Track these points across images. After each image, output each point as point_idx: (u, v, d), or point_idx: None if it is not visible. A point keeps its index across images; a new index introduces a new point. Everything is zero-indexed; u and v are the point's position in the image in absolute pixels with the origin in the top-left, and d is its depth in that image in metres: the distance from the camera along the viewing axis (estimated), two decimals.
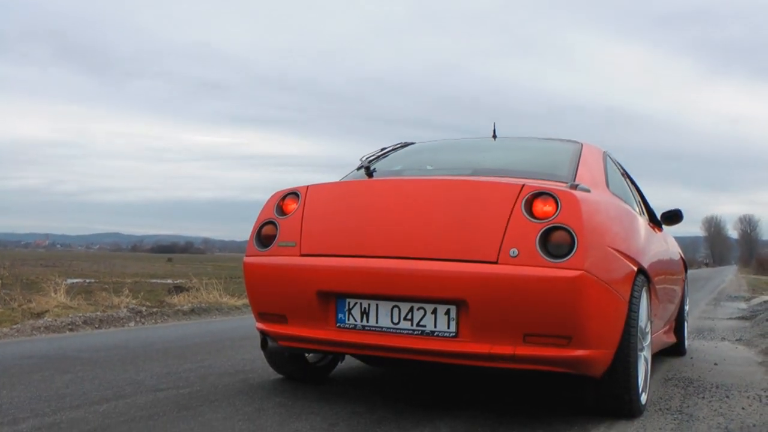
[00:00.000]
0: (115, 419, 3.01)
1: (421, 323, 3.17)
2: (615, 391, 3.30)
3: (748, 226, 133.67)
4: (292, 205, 3.58)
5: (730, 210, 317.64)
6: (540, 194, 3.13)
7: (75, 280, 29.54)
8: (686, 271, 6.07)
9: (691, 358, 5.67)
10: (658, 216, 5.16)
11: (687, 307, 6.12)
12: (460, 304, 3.09)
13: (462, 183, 3.34)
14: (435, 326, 3.15)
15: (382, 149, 4.41)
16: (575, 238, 2.98)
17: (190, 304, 9.44)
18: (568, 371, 3.09)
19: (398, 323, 3.21)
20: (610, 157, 4.40)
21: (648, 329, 3.76)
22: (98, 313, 8.02)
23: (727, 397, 4.08)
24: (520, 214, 3.09)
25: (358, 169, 4.11)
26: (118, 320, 7.80)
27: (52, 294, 10.43)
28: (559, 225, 3.02)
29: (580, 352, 3.01)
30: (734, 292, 19.81)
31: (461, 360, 3.14)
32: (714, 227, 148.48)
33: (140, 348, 5.29)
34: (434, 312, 3.15)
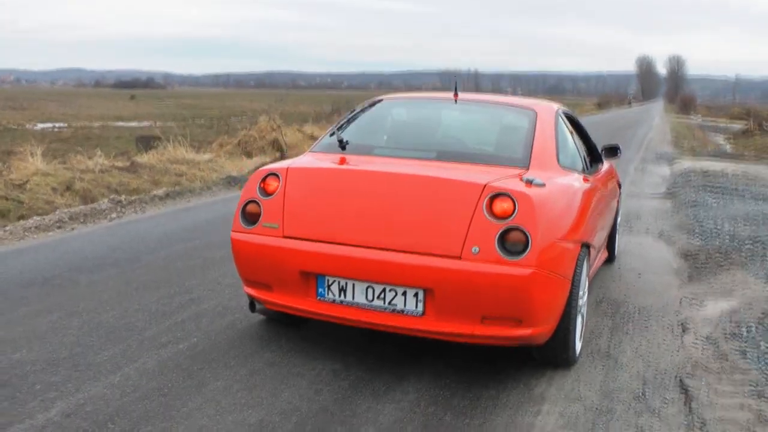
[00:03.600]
0: (131, 396, 3.26)
1: (393, 302, 3.43)
2: (556, 351, 3.67)
3: (676, 64, 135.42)
4: (273, 184, 3.71)
5: (660, 50, 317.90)
6: (499, 194, 3.32)
7: (46, 126, 28.98)
8: (620, 188, 6.37)
9: (619, 267, 6.08)
10: (600, 150, 5.39)
11: (619, 219, 6.46)
12: (427, 290, 3.34)
13: (429, 180, 3.50)
14: (405, 306, 3.41)
15: (351, 111, 4.48)
16: (529, 239, 3.22)
17: (164, 189, 9.51)
18: (517, 344, 3.43)
19: (372, 301, 3.46)
20: (562, 116, 4.55)
21: (586, 288, 4.08)
22: (81, 207, 8.09)
23: (647, 329, 4.50)
24: (482, 215, 3.29)
25: (331, 135, 4.22)
26: (101, 213, 7.91)
27: (30, 158, 10.47)
28: (515, 226, 3.24)
29: (529, 331, 3.34)
30: (660, 146, 20.43)
31: (427, 335, 3.44)
32: (645, 65, 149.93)
33: (128, 267, 5.45)
34: (404, 294, 3.41)
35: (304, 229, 3.56)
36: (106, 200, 8.43)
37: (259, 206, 3.68)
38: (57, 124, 29.58)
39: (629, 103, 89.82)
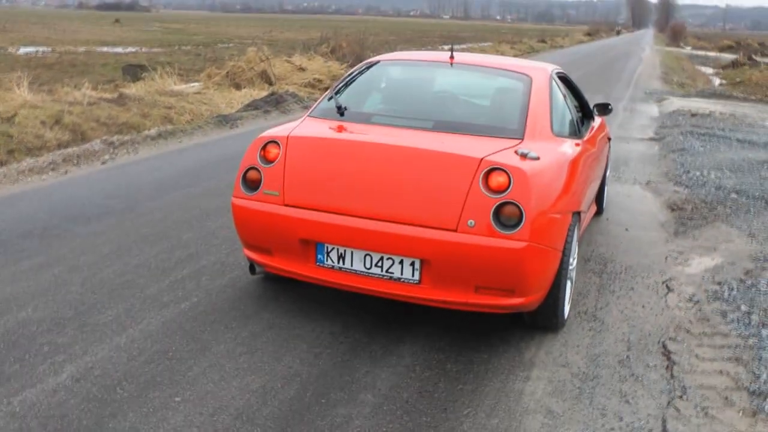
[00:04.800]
0: (137, 359, 3.36)
1: (390, 270, 3.52)
2: (545, 316, 3.80)
3: None
4: (273, 152, 3.75)
5: None
6: (495, 169, 3.38)
7: (29, 50, 28.41)
8: (610, 140, 6.43)
9: (607, 220, 6.18)
10: (592, 107, 5.43)
11: (608, 172, 6.53)
12: (424, 260, 3.43)
13: (427, 153, 3.55)
14: (401, 274, 3.51)
15: (349, 74, 4.49)
16: (523, 213, 3.30)
17: (156, 129, 9.46)
18: (509, 312, 3.56)
19: (370, 268, 3.55)
20: (555, 80, 4.57)
21: (575, 254, 4.18)
22: (74, 148, 8.06)
23: (632, 289, 4.63)
24: (478, 189, 3.36)
25: (329, 99, 4.24)
26: (94, 154, 7.91)
27: (16, 89, 10.40)
28: (510, 201, 3.32)
29: (520, 300, 3.45)
30: (649, 82, 20.38)
31: (422, 302, 3.56)
32: None
33: (126, 217, 5.50)
34: (401, 262, 3.50)
35: (304, 198, 3.61)
36: (98, 141, 8.40)
37: (260, 173, 3.73)
38: (41, 49, 28.93)
39: (617, 32, 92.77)
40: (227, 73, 16.21)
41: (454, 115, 4.17)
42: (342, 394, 3.18)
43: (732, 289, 4.61)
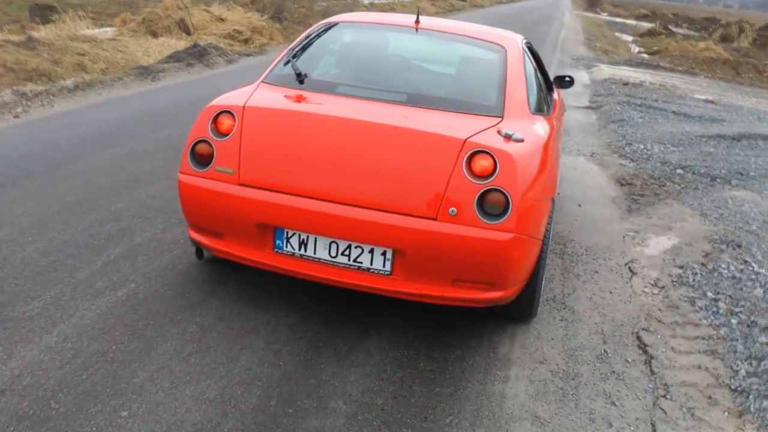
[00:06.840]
0: (72, 363, 2.91)
1: (358, 260, 3.17)
2: (520, 308, 3.54)
3: None
4: (227, 123, 3.31)
5: None
6: (480, 152, 3.06)
7: None
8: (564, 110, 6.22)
9: (558, 193, 5.95)
10: (552, 80, 5.19)
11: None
12: (397, 250, 3.10)
13: (405, 132, 3.19)
14: (371, 264, 3.16)
15: (306, 36, 4.05)
16: (510, 202, 3.00)
17: (72, 80, 8.70)
18: (486, 306, 3.27)
19: (336, 257, 3.19)
20: (527, 53, 4.28)
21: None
22: None
23: (596, 272, 4.44)
24: (461, 174, 3.03)
25: (285, 64, 3.81)
26: (5, 106, 7.19)
27: None
28: (496, 188, 3.01)
29: (499, 293, 3.17)
30: (574, 47, 20.42)
31: (393, 295, 3.21)
32: None
33: (46, 181, 4.93)
34: (371, 252, 3.15)
35: (262, 177, 3.20)
36: (8, 91, 7.62)
37: (212, 147, 3.28)
38: None
39: None
40: (143, 19, 15.26)
41: (428, 87, 3.81)
42: (310, 401, 2.84)
43: (695, 274, 4.48)
